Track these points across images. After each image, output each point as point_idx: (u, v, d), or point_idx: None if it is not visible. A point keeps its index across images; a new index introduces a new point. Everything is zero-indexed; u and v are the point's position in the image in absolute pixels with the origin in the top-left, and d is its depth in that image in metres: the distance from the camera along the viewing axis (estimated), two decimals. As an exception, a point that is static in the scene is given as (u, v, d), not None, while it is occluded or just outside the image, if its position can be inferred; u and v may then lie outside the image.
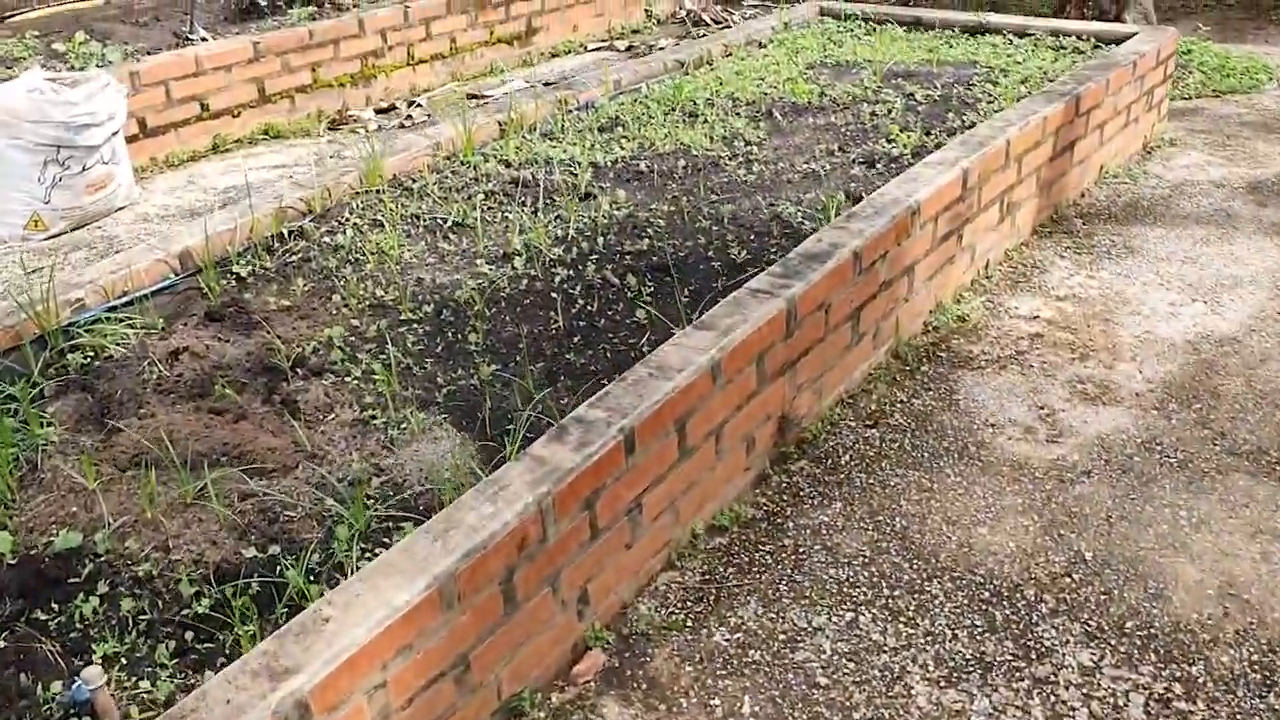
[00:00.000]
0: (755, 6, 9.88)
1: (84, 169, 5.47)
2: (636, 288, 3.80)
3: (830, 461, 3.47)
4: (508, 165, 4.89)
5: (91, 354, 3.58)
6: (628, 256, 4.04)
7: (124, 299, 3.78)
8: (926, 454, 3.50)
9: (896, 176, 4.13)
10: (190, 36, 7.11)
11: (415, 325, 3.68)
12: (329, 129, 6.95)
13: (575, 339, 3.54)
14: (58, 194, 5.42)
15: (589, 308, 3.70)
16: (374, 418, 3.22)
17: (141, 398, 3.35)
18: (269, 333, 3.63)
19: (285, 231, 4.24)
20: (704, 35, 8.67)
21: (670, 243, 4.13)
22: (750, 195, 4.56)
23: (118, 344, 3.62)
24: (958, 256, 4.30)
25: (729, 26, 9.05)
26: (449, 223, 4.38)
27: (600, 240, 4.13)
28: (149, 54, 6.64)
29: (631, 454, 2.80)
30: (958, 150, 4.28)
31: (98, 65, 6.43)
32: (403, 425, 3.18)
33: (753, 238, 4.15)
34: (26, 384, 3.42)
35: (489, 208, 4.54)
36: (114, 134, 5.56)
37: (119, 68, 6.19)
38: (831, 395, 3.69)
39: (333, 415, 3.24)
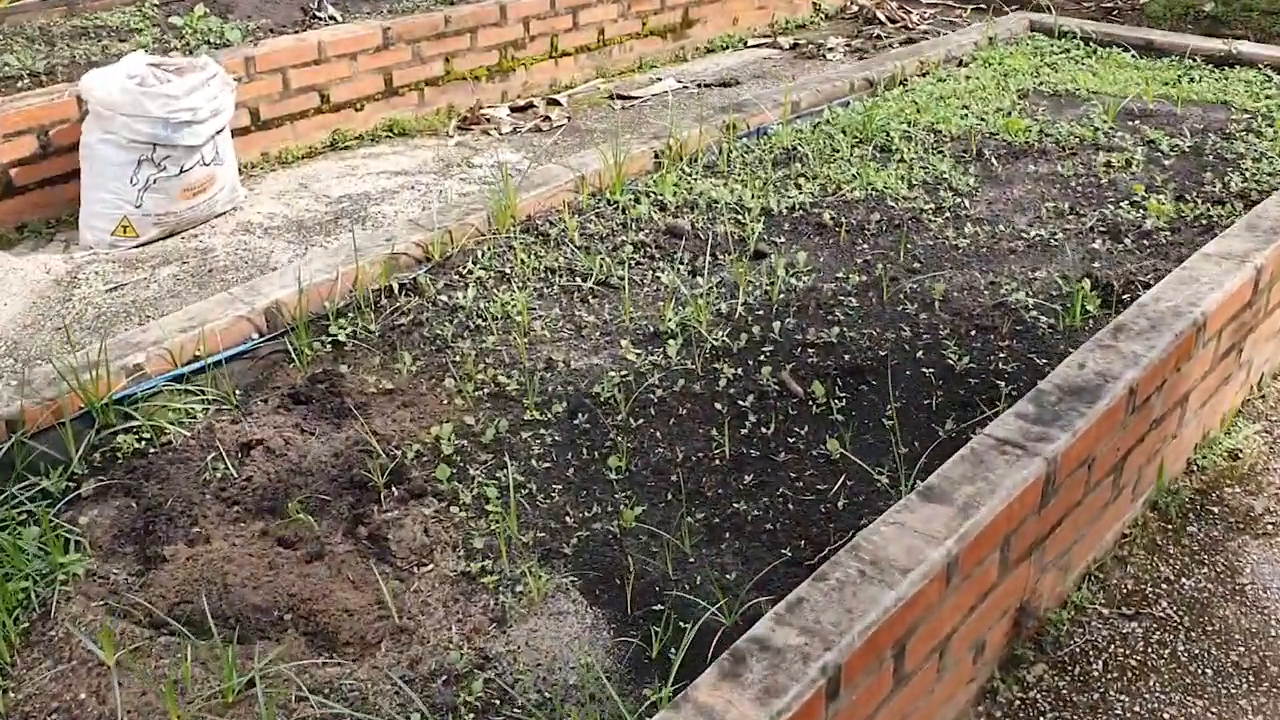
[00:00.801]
0: (934, 6, 8.86)
1: (181, 171, 4.83)
2: (825, 400, 2.96)
3: (1078, 670, 2.59)
4: (662, 209, 4.08)
5: (146, 437, 2.90)
6: (811, 350, 3.19)
7: (194, 365, 3.09)
8: (1209, 670, 2.59)
9: (1155, 259, 3.21)
10: (319, 14, 6.45)
11: (542, 430, 2.91)
12: (459, 128, 6.23)
13: (745, 474, 2.72)
14: (151, 197, 4.80)
15: (762, 427, 2.88)
16: (484, 571, 2.46)
17: (198, 509, 2.65)
18: (363, 426, 2.90)
19: (396, 285, 3.50)
20: (878, 35, 7.71)
21: (866, 332, 3.28)
22: (964, 268, 3.66)
23: (180, 426, 2.93)
24: (1234, 375, 3.34)
25: (907, 26, 8.06)
26: (590, 282, 3.59)
27: (776, 324, 3.29)
28: (271, 32, 6.00)
29: (834, 699, 1.98)
30: (1245, 239, 3.32)
31: (214, 45, 5.82)
32: (519, 587, 2.41)
33: (973, 332, 3.27)
34: (61, 477, 2.76)
35: (638, 263, 3.74)
36: (218, 132, 4.92)
37: (236, 50, 5.55)
38: (1078, 569, 2.80)
39: (430, 565, 2.49)
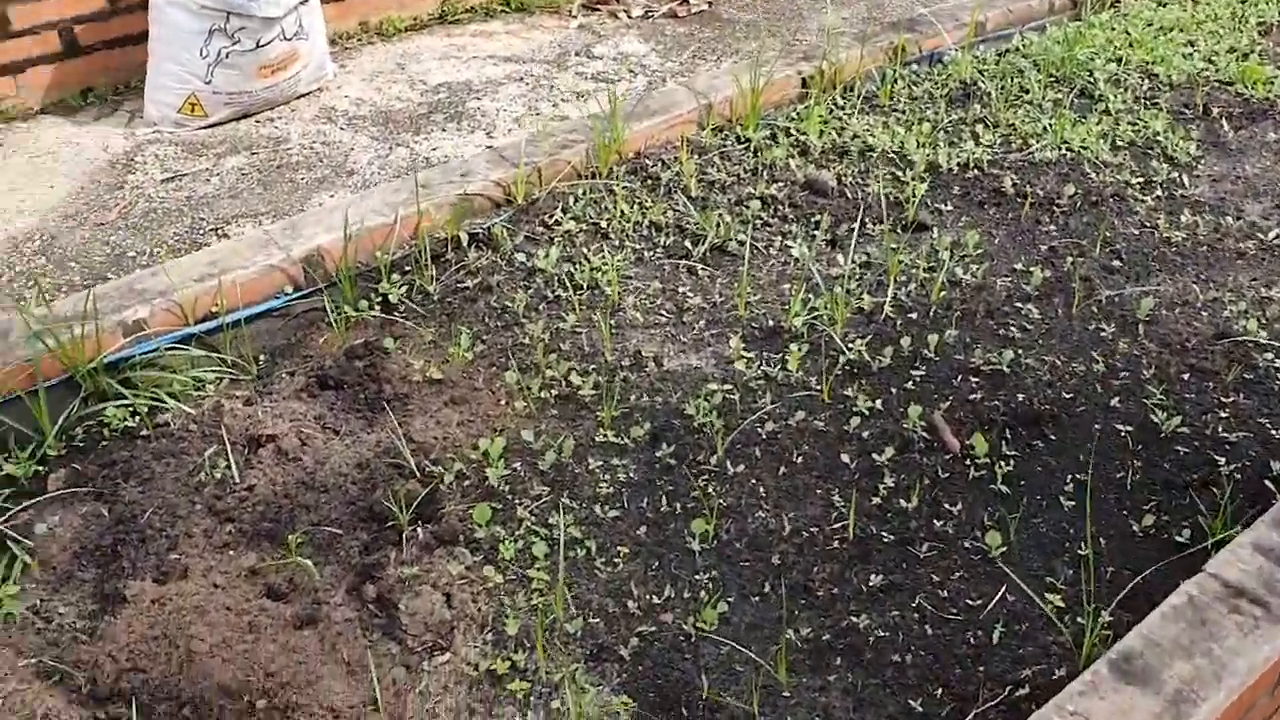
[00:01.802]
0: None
1: (258, 45, 4.21)
2: (987, 460, 2.26)
3: None
4: (804, 154, 3.33)
5: (141, 412, 2.37)
6: (975, 381, 2.48)
7: (209, 324, 2.53)
8: None
9: None
10: None
11: (616, 460, 2.29)
12: (584, 7, 5.46)
13: (871, 568, 2.07)
14: (222, 73, 4.20)
15: (901, 496, 2.21)
16: (513, 671, 1.89)
17: (182, 525, 2.13)
18: (398, 429, 2.32)
19: (465, 235, 2.87)
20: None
21: (1047, 360, 2.55)
22: (1177, 273, 2.87)
23: (181, 402, 2.40)
24: None
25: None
26: (703, 246, 2.91)
27: (933, 337, 2.58)
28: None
29: None
30: None
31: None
32: (555, 703, 1.83)
33: (1185, 375, 2.52)
34: (30, 459, 2.26)
35: (765, 225, 3.03)
36: (302, 2, 4.28)
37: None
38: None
39: (447, 654, 1.92)
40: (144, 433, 2.36)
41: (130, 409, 2.38)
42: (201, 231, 3.68)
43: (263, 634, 1.94)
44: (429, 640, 1.94)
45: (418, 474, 2.25)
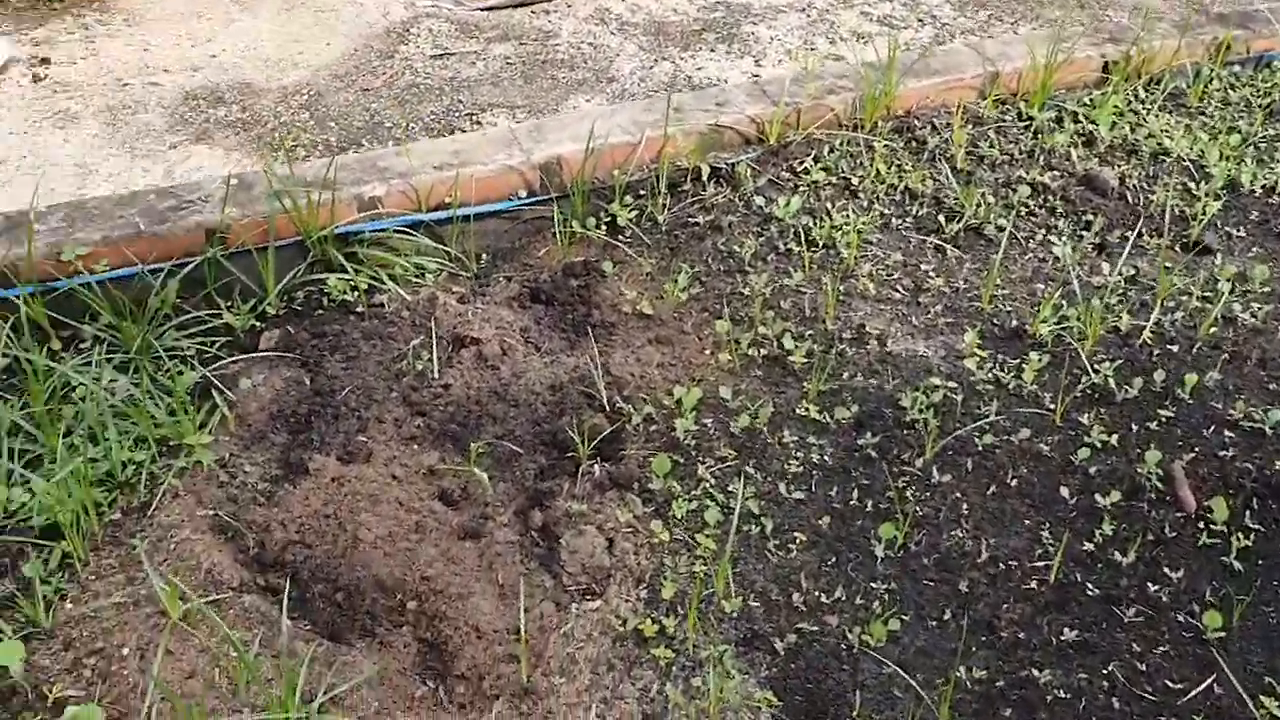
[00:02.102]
0: None
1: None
2: (1224, 528, 2.01)
3: None
4: (1089, 144, 3.03)
5: (360, 288, 2.40)
6: (1230, 435, 2.21)
7: (439, 213, 2.52)
8: None
9: None
10: None
11: (813, 438, 2.16)
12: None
13: (1066, 620, 1.88)
14: (505, -43, 4.18)
15: (1116, 548, 1.99)
16: (660, 635, 1.81)
17: (374, 410, 2.14)
18: (601, 356, 2.26)
19: (707, 168, 2.75)
20: None
21: (1320, 430, 2.24)
22: None
23: (400, 286, 2.41)
24: None
25: None
26: (957, 224, 2.69)
27: (1191, 376, 2.30)
28: None
29: None
30: None
31: None
32: (695, 680, 1.75)
33: None
34: (249, 313, 2.32)
35: (1030, 215, 2.78)
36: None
37: None
38: None
39: (598, 600, 1.87)
40: (359, 309, 2.38)
41: (350, 284, 2.41)
42: (457, 114, 3.69)
43: (427, 536, 1.93)
44: (583, 583, 1.88)
45: (606, 408, 2.18)
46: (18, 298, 2.18)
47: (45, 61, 3.82)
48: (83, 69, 3.81)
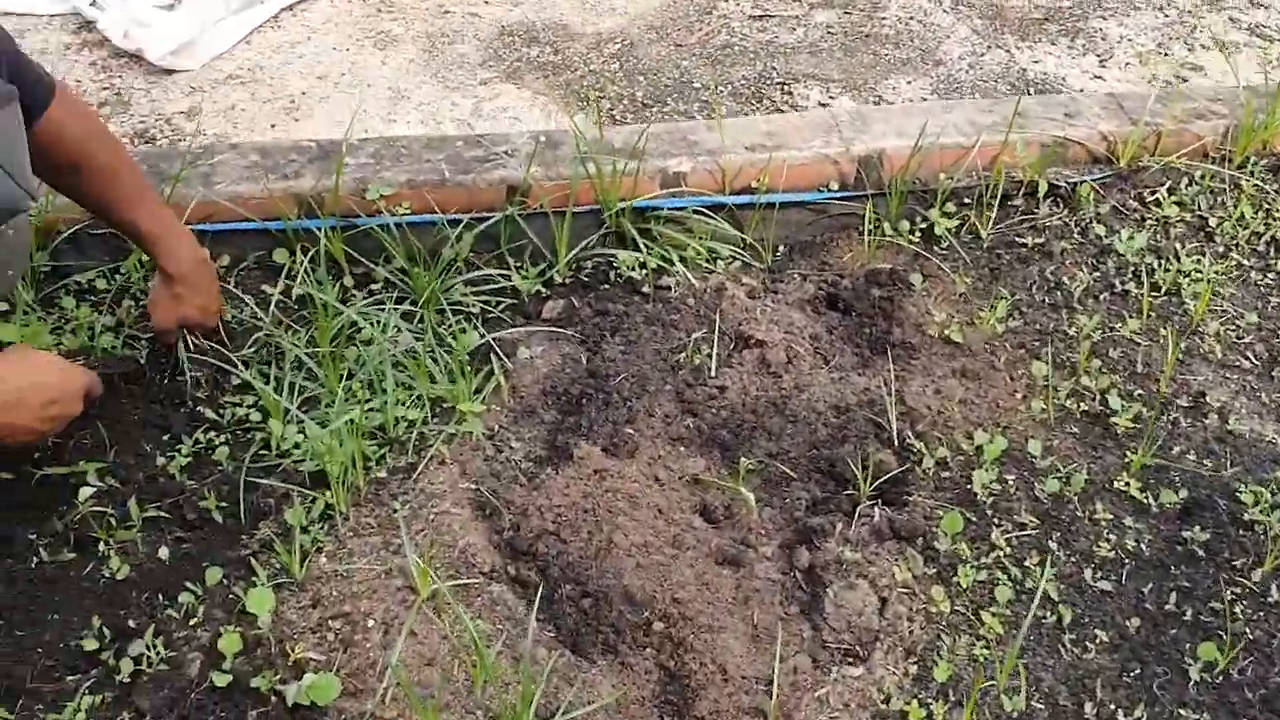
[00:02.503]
0: None
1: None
2: None
3: None
4: None
5: (646, 270, 2.28)
6: None
7: (741, 197, 2.36)
8: None
9: None
10: None
11: (1128, 521, 1.89)
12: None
13: None
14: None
15: None
16: None
17: (645, 402, 2.03)
18: (897, 381, 2.05)
19: (1045, 184, 2.46)
20: None
21: None
22: None
23: (690, 270, 2.27)
24: None
25: None
26: (1331, 293, 2.31)
27: None
28: None
29: None
30: None
31: None
32: (958, 780, 1.56)
33: None
34: (537, 278, 2.24)
35: None
36: None
37: None
38: None
39: (859, 667, 1.69)
40: (644, 289, 2.26)
41: (640, 261, 2.29)
42: (768, 81, 3.51)
43: (683, 553, 1.80)
44: (847, 642, 1.71)
45: (895, 443, 1.98)
46: (319, 229, 2.18)
47: (376, -20, 3.85)
48: (408, -9, 3.82)
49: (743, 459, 1.95)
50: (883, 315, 2.21)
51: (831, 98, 3.40)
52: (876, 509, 1.88)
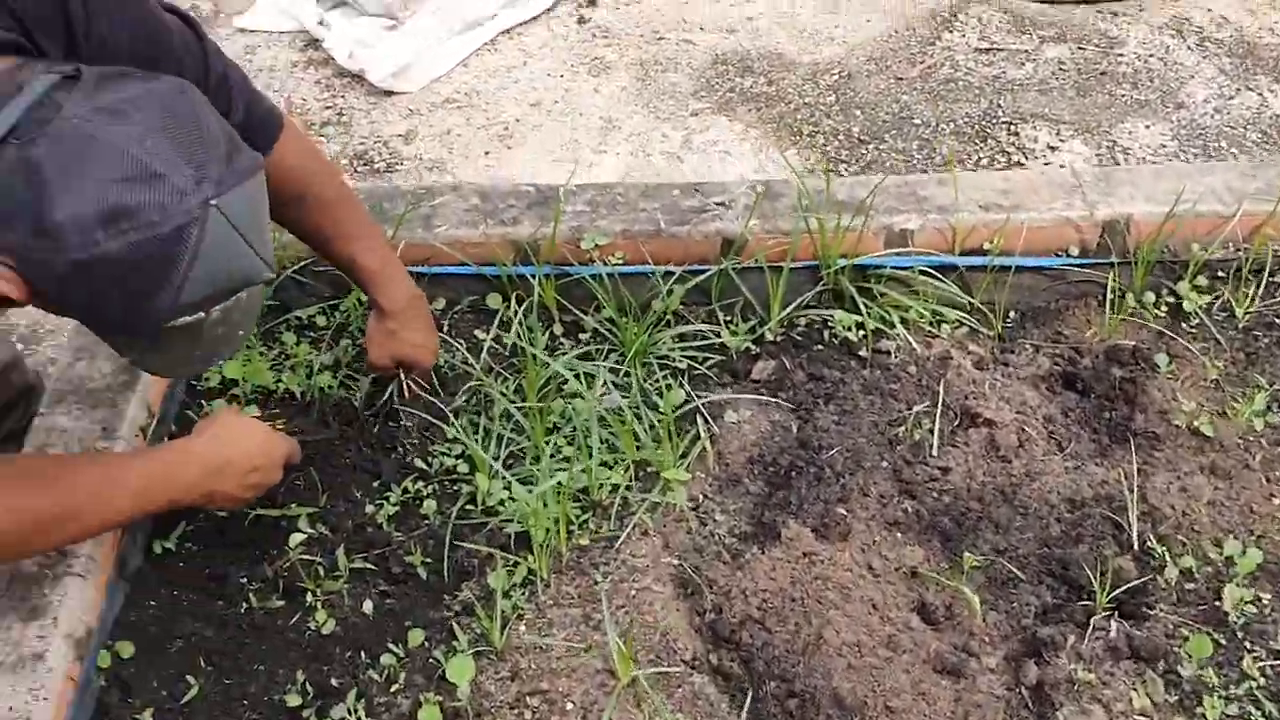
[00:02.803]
0: None
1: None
2: None
3: None
4: None
5: (864, 332, 2.16)
6: None
7: (974, 259, 2.22)
8: None
9: None
10: None
11: None
12: None
13: None
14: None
15: None
16: None
17: (861, 478, 1.92)
18: (1139, 475, 1.88)
19: (1309, 259, 2.23)
20: None
21: None
22: None
23: (912, 334, 2.14)
24: None
25: None
26: None
27: None
28: None
29: None
30: None
31: None
32: None
33: None
34: (748, 334, 2.15)
35: None
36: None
37: None
38: None
39: (1090, 804, 1.54)
40: (861, 352, 2.15)
41: (858, 322, 2.18)
42: (994, 120, 3.34)
43: (897, 656, 1.68)
44: (1073, 772, 1.56)
45: (1135, 546, 1.81)
46: (533, 276, 2.15)
47: (592, 3, 3.86)
48: (624, 16, 3.81)
49: (966, 553, 1.82)
50: (1124, 399, 2.04)
51: (1062, 140, 3.21)
52: (1113, 622, 1.72)
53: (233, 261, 1.28)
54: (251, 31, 3.72)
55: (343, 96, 3.43)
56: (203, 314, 1.30)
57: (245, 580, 1.76)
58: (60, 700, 1.47)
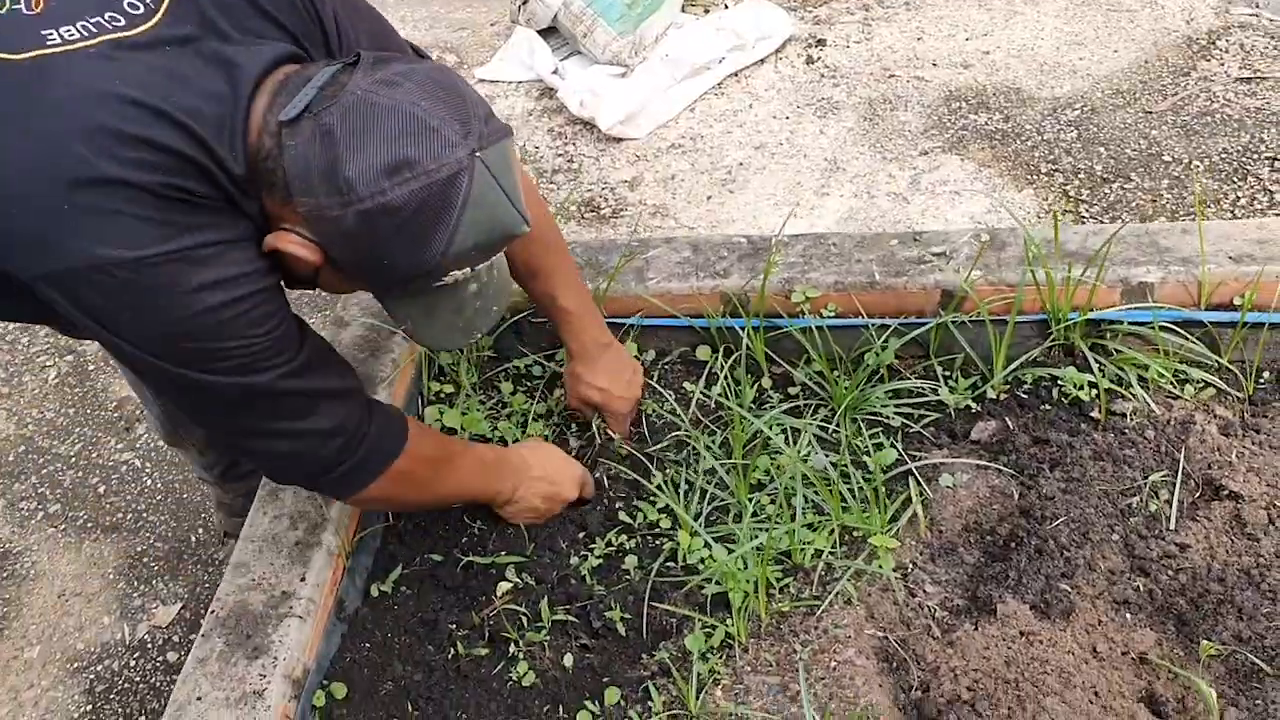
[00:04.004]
0: None
1: None
2: None
3: None
4: None
5: (1096, 391, 2.02)
6: None
7: (1222, 314, 2.04)
8: None
9: None
10: None
11: None
12: None
13: None
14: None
15: None
16: None
17: (1088, 552, 1.79)
18: None
19: None
20: None
21: None
22: None
23: (1151, 396, 1.99)
24: None
25: None
26: None
27: None
28: None
29: None
30: None
31: None
32: None
33: None
34: (967, 391, 2.06)
35: None
36: None
37: None
38: None
39: None
40: (1093, 414, 2.01)
41: (1090, 381, 2.04)
42: (1255, 156, 3.09)
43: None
44: None
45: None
46: (742, 329, 2.13)
47: (821, 43, 3.82)
48: (854, 54, 3.75)
49: (1203, 640, 1.66)
50: (1396, 474, 1.82)
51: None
52: (1375, 732, 1.52)
53: (496, 210, 1.37)
54: (492, 82, 3.88)
55: (573, 144, 3.52)
56: (468, 269, 1.41)
57: (454, 627, 1.82)
58: (277, 737, 1.55)
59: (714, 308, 2.16)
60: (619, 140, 3.52)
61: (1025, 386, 2.09)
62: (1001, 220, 2.86)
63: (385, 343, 2.12)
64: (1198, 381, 2.03)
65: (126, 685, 2.41)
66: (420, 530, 1.96)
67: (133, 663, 2.45)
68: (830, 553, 1.82)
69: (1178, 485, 1.86)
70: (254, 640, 1.64)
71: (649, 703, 1.67)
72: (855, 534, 1.86)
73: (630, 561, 1.88)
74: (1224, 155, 3.09)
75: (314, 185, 1.31)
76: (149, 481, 2.83)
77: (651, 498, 1.97)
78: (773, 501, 1.90)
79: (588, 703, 1.69)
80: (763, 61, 3.70)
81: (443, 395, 2.18)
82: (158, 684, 2.39)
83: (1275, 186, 2.89)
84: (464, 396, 2.15)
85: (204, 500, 2.75)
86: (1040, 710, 1.59)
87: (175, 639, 2.47)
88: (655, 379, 2.18)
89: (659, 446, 2.05)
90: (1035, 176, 3.15)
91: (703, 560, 1.85)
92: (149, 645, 2.48)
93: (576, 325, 1.98)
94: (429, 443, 1.74)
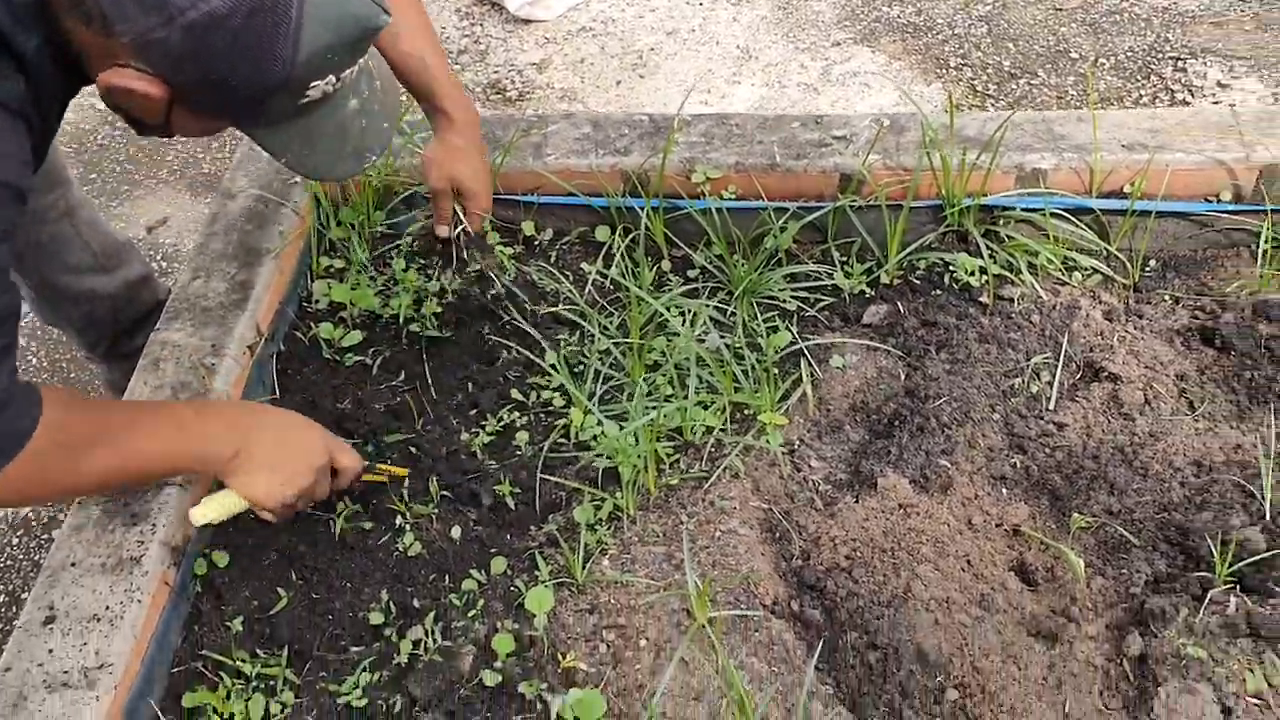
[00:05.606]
0: None
1: None
2: None
3: None
4: None
5: (986, 277, 2.05)
6: None
7: (1113, 202, 2.07)
8: None
9: None
10: None
11: None
12: None
13: None
14: None
15: None
16: None
17: (968, 430, 1.84)
18: (1278, 441, 1.74)
19: None
20: None
21: None
22: None
23: (1037, 281, 2.02)
24: None
25: None
26: None
27: None
28: None
29: None
30: None
31: None
32: None
33: None
34: (862, 276, 2.07)
35: None
36: None
37: None
38: None
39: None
40: (982, 298, 2.04)
41: (981, 266, 2.06)
42: (1159, 55, 3.11)
43: (989, 616, 1.61)
44: (1171, 761, 1.46)
45: (1266, 518, 1.67)
46: (641, 209, 2.11)
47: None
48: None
49: (1075, 513, 1.72)
50: (1269, 359, 1.88)
51: (1234, 78, 2.96)
52: (1233, 597, 1.59)
53: (343, 3, 1.24)
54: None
55: (480, 25, 3.43)
56: (333, 79, 1.28)
57: (339, 499, 1.80)
58: (154, 603, 1.54)
59: (614, 187, 2.13)
60: (528, 22, 3.44)
61: (918, 272, 2.11)
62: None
63: (273, 214, 2.06)
64: (1086, 268, 2.07)
65: (9, 563, 2.36)
66: (309, 404, 1.93)
67: (15, 540, 2.40)
68: (721, 430, 1.84)
69: (1059, 367, 1.90)
70: (132, 508, 1.61)
71: (535, 572, 1.68)
72: (746, 412, 1.87)
73: (522, 438, 1.88)
74: (1130, 53, 3.11)
75: (127, 7, 1.15)
76: (34, 360, 2.75)
77: (546, 376, 1.96)
78: (667, 381, 1.91)
79: (474, 571, 1.69)
80: (678, -54, 3.60)
81: (332, 270, 2.13)
82: (41, 560, 2.35)
83: (1177, 85, 2.92)
84: (355, 272, 2.11)
85: (92, 378, 2.68)
86: (914, 577, 1.64)
87: (60, 516, 2.43)
88: (553, 259, 2.16)
89: (555, 329, 2.03)
90: (944, 70, 3.14)
91: (595, 437, 1.85)
92: (33, 523, 2.43)
93: (451, 91, 1.84)
94: (77, 409, 1.43)
